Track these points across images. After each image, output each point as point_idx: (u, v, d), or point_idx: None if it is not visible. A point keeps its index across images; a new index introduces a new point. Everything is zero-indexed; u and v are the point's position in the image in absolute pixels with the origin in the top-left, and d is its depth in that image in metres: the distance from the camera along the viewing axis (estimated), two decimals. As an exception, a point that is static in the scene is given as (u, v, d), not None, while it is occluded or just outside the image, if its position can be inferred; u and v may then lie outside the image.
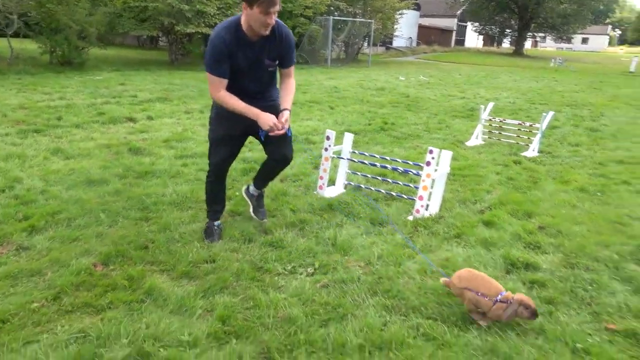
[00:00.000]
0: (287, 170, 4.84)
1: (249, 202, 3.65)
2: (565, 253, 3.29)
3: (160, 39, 21.67)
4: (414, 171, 4.05)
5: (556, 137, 7.40)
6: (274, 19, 2.78)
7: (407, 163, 4.32)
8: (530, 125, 6.54)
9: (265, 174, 3.56)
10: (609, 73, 24.56)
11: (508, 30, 44.85)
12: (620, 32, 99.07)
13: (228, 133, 3.18)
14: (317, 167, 4.87)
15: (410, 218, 3.76)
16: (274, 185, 4.42)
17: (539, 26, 41.69)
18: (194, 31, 14.64)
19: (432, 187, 3.84)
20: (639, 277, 2.98)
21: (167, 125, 6.76)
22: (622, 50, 73.40)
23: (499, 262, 3.11)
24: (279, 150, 3.28)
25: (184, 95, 9.50)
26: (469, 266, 3.01)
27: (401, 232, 3.48)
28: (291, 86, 3.17)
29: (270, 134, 2.93)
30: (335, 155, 4.26)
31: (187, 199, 3.96)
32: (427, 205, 3.86)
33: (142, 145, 5.52)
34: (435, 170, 3.77)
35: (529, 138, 6.50)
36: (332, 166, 4.35)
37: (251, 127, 3.14)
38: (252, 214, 3.61)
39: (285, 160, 3.36)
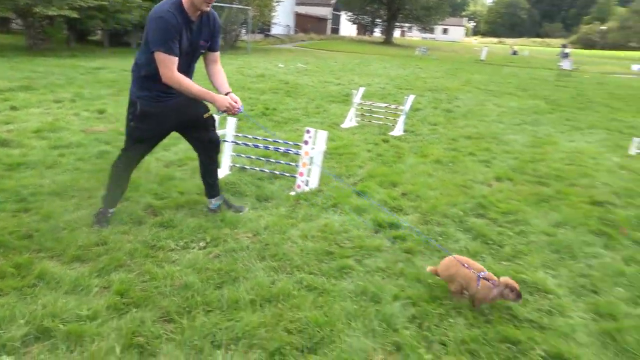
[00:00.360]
0: (172, 157, 4.97)
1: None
2: (422, 213, 3.90)
3: (13, 21, 19.49)
4: (294, 150, 4.42)
5: (418, 118, 8.32)
6: None
7: (288, 143, 4.68)
8: (396, 108, 7.30)
9: (207, 174, 3.57)
10: (464, 61, 27.48)
11: (378, 20, 47.67)
12: (474, 23, 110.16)
13: (155, 132, 3.21)
14: (202, 151, 5.00)
15: (293, 193, 4.13)
16: (160, 170, 4.51)
17: (405, 17, 44.96)
18: (56, 14, 13.49)
19: (310, 164, 4.24)
20: (476, 227, 3.68)
21: (36, 116, 6.34)
22: (476, 40, 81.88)
23: (369, 224, 3.61)
24: (205, 136, 3.44)
25: (51, 84, 8.86)
26: (344, 230, 3.47)
27: (441, 246, 3.81)
28: (222, 70, 3.29)
29: (228, 113, 3.08)
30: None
31: (68, 188, 3.89)
32: (307, 181, 4.25)
33: (8, 137, 5.17)
34: (313, 148, 4.17)
35: (395, 119, 7.25)
36: (217, 150, 4.54)
37: (180, 124, 3.27)
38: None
39: (214, 143, 3.50)
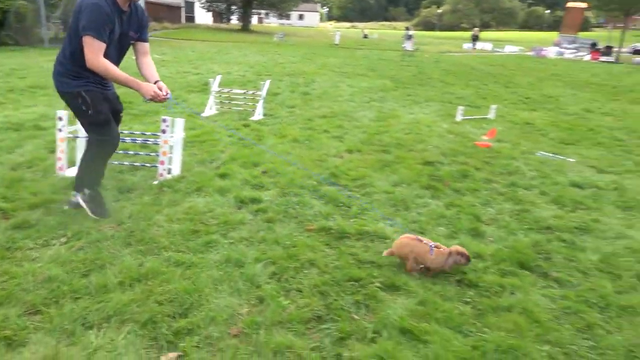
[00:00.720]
0: (18, 159, 4.70)
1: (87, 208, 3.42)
2: (281, 187, 4.27)
3: None
4: (152, 140, 4.47)
5: (277, 102, 8.72)
6: None
7: (145, 134, 4.70)
8: (253, 94, 7.58)
9: (89, 166, 3.53)
10: (320, 46, 28.68)
11: (234, 7, 47.15)
12: (327, 9, 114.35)
13: (109, 110, 3.34)
14: (53, 151, 4.79)
15: (156, 182, 4.21)
16: (6, 173, 4.26)
17: (260, 3, 45.14)
18: None
19: (170, 152, 4.34)
20: (329, 193, 4.14)
21: None
22: (331, 25, 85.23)
23: (232, 202, 3.87)
24: (115, 132, 3.47)
25: None
26: (208, 210, 3.69)
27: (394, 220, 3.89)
28: (152, 62, 3.46)
29: (155, 101, 3.16)
30: (71, 135, 4.34)
31: None
32: (169, 169, 4.36)
33: None
34: (171, 136, 4.28)
35: (254, 105, 7.53)
36: (71, 148, 4.41)
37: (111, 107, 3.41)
38: (95, 215, 3.40)
39: (118, 142, 3.53)
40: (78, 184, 3.42)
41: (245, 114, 7.39)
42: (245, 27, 43.59)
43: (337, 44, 30.31)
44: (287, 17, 54.79)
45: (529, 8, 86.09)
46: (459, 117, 7.85)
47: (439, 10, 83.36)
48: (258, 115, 7.23)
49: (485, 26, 61.03)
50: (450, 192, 4.39)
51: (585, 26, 65.45)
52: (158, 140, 4.31)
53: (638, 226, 3.84)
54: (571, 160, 5.71)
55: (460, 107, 8.08)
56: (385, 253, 3.03)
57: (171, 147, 4.33)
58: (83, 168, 3.43)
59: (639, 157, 6.10)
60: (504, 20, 69.61)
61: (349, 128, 6.85)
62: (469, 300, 2.69)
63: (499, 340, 2.31)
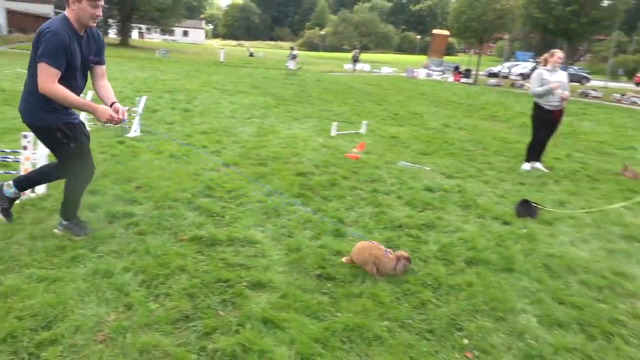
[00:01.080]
0: None
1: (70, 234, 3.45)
2: (155, 200, 4.32)
3: None
4: (12, 158, 4.27)
5: (156, 118, 8.61)
6: (101, 10, 3.06)
7: (4, 151, 4.47)
8: (129, 110, 7.43)
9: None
10: (204, 63, 28.45)
11: (112, 21, 44.83)
12: (212, 26, 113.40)
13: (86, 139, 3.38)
14: None
15: (17, 201, 4.02)
16: None
17: (141, 18, 43.50)
18: None
19: (33, 169, 4.17)
20: (203, 205, 4.29)
21: None
22: (217, 42, 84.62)
23: (102, 217, 3.85)
24: (91, 160, 3.48)
25: None
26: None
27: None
28: (109, 84, 3.41)
29: (111, 124, 3.10)
30: None
31: None
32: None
33: None
34: (34, 153, 4.13)
35: (130, 121, 7.38)
36: None
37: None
38: (80, 237, 3.44)
39: (93, 169, 3.54)
40: (64, 214, 3.48)
41: (121, 130, 7.21)
42: (124, 42, 41.65)
43: (221, 62, 30.29)
44: (171, 33, 53.39)
45: (403, 33, 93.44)
46: (333, 132, 8.43)
47: (322, 32, 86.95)
48: (134, 131, 7.11)
49: (364, 48, 64.96)
50: (319, 199, 4.78)
51: (451, 51, 72.82)
52: (19, 157, 4.13)
53: (472, 221, 4.55)
54: (427, 168, 6.48)
55: (335, 123, 8.68)
56: (344, 260, 3.38)
57: (34, 164, 4.17)
58: (66, 201, 3.45)
59: (481, 164, 7.10)
60: (381, 43, 74.64)
61: (228, 143, 7.03)
62: (327, 290, 3.03)
63: (348, 320, 2.67)
